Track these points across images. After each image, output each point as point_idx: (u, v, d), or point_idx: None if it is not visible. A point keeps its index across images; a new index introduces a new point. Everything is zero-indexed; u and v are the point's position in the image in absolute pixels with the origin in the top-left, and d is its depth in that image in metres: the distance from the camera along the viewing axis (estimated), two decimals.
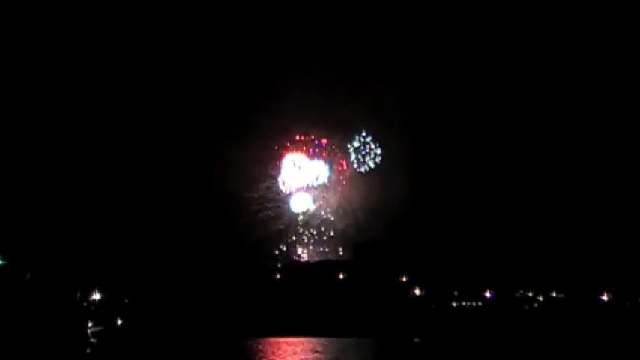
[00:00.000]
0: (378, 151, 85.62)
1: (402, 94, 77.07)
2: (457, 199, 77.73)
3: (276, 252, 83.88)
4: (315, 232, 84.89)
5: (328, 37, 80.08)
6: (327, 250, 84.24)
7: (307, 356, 44.98)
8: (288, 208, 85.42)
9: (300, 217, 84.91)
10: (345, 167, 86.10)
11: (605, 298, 69.76)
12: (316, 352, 46.61)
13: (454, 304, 70.67)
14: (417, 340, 55.99)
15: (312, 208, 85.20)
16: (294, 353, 46.32)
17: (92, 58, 74.98)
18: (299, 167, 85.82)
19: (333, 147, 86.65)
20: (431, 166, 78.60)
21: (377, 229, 79.27)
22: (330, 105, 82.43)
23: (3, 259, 56.16)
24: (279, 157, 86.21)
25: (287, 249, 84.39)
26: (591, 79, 76.13)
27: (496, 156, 78.53)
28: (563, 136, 77.13)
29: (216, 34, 78.88)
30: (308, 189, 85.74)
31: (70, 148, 72.59)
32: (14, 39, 70.09)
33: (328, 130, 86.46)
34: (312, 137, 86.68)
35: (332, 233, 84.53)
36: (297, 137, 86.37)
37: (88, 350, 52.13)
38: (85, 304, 61.03)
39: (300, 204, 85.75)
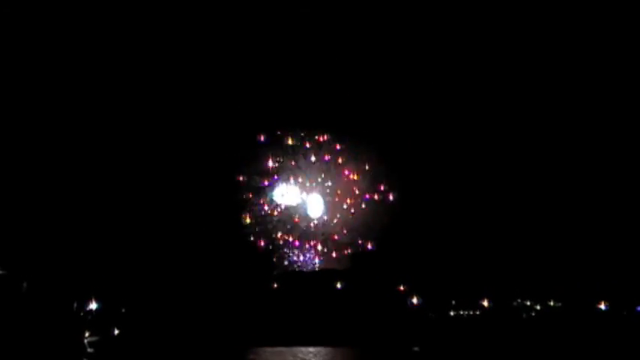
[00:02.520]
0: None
1: (404, 99, 77.08)
2: (455, 208, 77.70)
3: (275, 262, 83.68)
4: (315, 243, 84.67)
5: (328, 39, 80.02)
6: (325, 259, 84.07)
7: None
8: (290, 218, 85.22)
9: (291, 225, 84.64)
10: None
11: (602, 307, 69.79)
12: None
13: (452, 313, 70.72)
14: (415, 349, 55.94)
15: (314, 219, 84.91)
16: None
17: (97, 60, 74.28)
18: (302, 181, 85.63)
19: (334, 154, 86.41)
20: (428, 175, 78.68)
21: (375, 238, 79.16)
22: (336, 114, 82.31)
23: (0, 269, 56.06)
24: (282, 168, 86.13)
25: (286, 259, 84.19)
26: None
27: (493, 163, 78.68)
28: (557, 146, 77.31)
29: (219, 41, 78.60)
30: (311, 201, 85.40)
31: (69, 155, 71.89)
32: (14, 39, 69.77)
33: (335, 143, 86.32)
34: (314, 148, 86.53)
35: (334, 245, 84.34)
36: (292, 142, 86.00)
37: None
38: (81, 313, 60.82)
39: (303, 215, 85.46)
